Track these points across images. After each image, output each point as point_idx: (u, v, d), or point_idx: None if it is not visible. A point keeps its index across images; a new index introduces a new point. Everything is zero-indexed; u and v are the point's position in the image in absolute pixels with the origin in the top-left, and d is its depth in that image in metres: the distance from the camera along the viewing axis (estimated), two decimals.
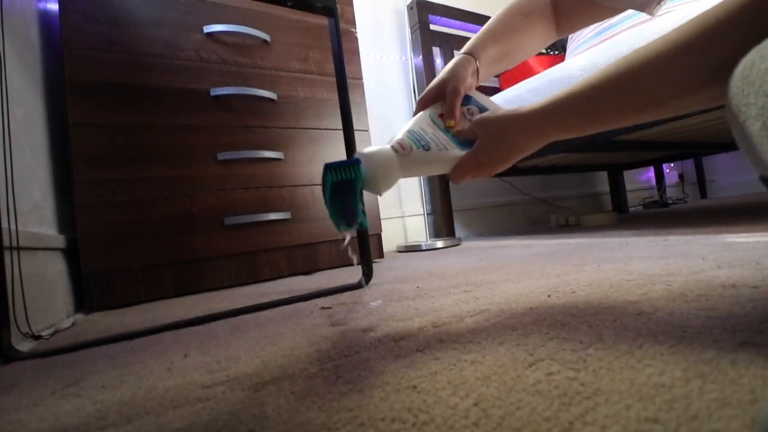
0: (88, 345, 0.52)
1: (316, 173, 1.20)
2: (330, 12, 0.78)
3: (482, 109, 0.51)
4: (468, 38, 1.97)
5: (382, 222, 1.39)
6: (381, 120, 1.71)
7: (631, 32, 0.97)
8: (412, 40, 1.74)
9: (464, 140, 0.48)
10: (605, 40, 1.24)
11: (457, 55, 0.54)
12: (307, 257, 1.17)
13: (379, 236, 1.31)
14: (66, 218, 0.92)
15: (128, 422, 0.27)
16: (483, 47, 0.53)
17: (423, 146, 0.46)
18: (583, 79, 0.39)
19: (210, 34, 1.07)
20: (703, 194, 2.62)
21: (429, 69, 1.68)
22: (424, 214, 1.72)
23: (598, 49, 1.03)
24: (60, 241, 0.84)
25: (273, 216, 1.10)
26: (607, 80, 0.36)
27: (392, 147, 0.45)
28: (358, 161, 0.44)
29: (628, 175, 2.31)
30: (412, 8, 1.72)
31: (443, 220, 1.64)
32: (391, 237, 1.66)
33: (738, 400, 0.19)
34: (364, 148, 0.46)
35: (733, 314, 0.32)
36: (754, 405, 0.19)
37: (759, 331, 0.28)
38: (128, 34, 0.98)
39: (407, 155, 0.45)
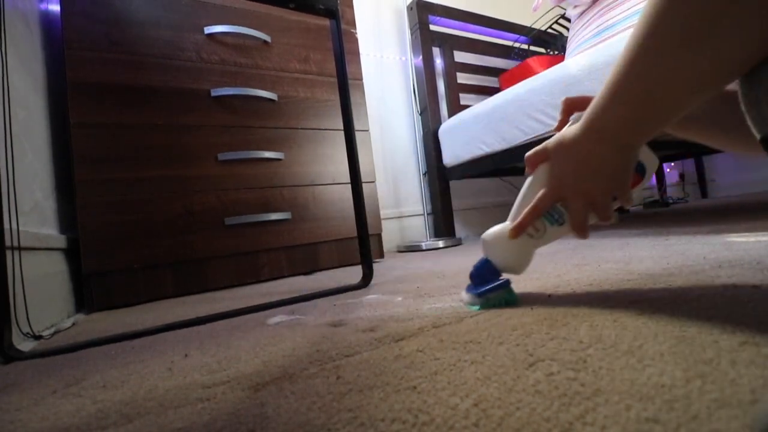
0: (88, 345, 0.52)
1: (317, 173, 1.20)
2: (332, 14, 0.78)
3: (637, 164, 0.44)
4: (468, 39, 1.96)
5: (383, 222, 1.39)
6: (381, 120, 1.72)
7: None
8: (412, 41, 1.74)
9: None
10: (605, 40, 1.24)
11: None
12: (308, 257, 1.17)
13: (379, 236, 1.31)
14: (67, 218, 0.92)
15: (129, 422, 0.27)
16: None
17: (557, 221, 0.45)
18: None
19: (211, 35, 1.08)
20: (704, 194, 2.62)
21: (429, 69, 1.69)
22: (424, 214, 1.72)
23: (597, 50, 1.03)
24: (61, 241, 0.84)
25: (273, 216, 1.10)
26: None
27: (528, 233, 0.45)
28: (508, 283, 0.47)
29: None
30: (411, 9, 1.72)
31: (443, 220, 1.64)
32: (391, 237, 1.66)
33: (738, 400, 0.19)
34: (493, 237, 0.47)
35: (733, 314, 0.32)
36: (754, 405, 0.19)
37: (759, 331, 0.28)
38: (129, 34, 0.98)
39: (541, 237, 0.46)
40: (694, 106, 0.36)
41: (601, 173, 0.40)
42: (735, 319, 0.30)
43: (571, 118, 0.45)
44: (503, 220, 0.48)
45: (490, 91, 1.85)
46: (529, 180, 0.46)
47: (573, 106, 0.45)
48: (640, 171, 0.45)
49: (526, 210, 0.44)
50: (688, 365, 0.24)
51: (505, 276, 0.48)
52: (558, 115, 0.47)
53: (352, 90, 1.03)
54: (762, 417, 0.16)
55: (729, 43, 0.29)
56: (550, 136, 0.45)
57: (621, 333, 0.31)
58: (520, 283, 0.57)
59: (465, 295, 0.49)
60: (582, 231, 0.43)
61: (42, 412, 0.31)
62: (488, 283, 0.47)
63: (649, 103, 0.35)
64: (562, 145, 0.42)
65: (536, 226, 0.45)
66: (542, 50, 1.98)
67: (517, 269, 0.48)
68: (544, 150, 0.44)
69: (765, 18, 0.27)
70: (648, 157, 0.45)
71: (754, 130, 0.29)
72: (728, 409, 0.19)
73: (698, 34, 0.29)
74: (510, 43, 1.94)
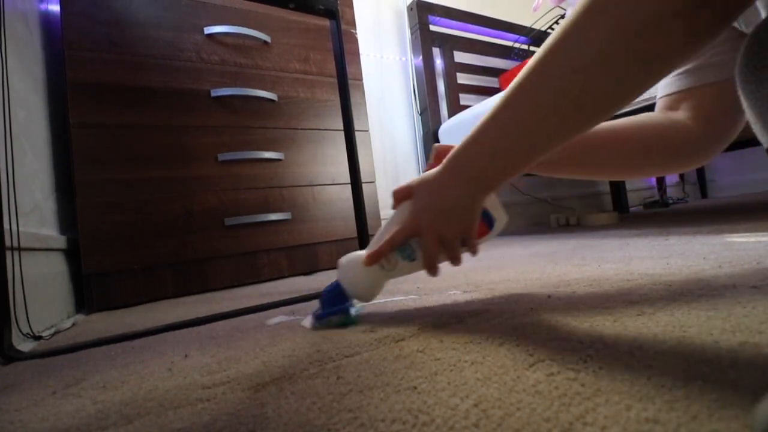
0: (88, 345, 0.52)
1: (317, 174, 1.20)
2: (332, 14, 0.78)
3: (486, 215, 0.47)
4: (468, 39, 1.96)
5: (383, 222, 1.39)
6: (381, 120, 1.71)
7: None
8: (412, 41, 1.74)
9: None
10: None
11: None
12: (308, 257, 1.17)
13: None
14: (67, 219, 0.92)
15: (129, 422, 0.27)
16: None
17: (409, 257, 0.47)
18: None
19: (211, 35, 1.08)
20: (704, 194, 2.62)
21: (429, 69, 1.69)
22: None
23: None
24: (61, 241, 0.84)
25: (273, 216, 1.10)
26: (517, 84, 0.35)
27: (381, 264, 0.47)
28: (346, 309, 0.48)
29: None
30: (411, 9, 1.72)
31: None
32: None
33: (738, 400, 0.19)
34: (348, 262, 0.48)
35: (733, 314, 0.32)
36: (754, 405, 0.19)
37: (759, 331, 0.28)
38: (129, 35, 0.98)
39: (392, 270, 0.48)
40: (550, 153, 0.36)
41: (453, 213, 0.42)
42: (735, 320, 0.30)
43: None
44: None
45: (490, 92, 1.85)
46: (392, 214, 0.48)
47: (442, 153, 0.47)
48: (488, 222, 0.47)
49: (382, 241, 0.46)
50: (688, 365, 0.24)
51: (356, 301, 0.50)
52: (431, 160, 0.49)
53: (352, 90, 1.03)
54: (762, 417, 0.16)
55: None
56: None
57: (621, 333, 0.31)
58: (521, 283, 0.57)
59: (306, 320, 0.49)
60: (431, 268, 0.46)
61: (42, 413, 0.31)
62: (333, 307, 0.48)
63: (503, 147, 0.37)
64: (423, 183, 0.44)
65: (389, 259, 0.47)
66: None
67: (366, 297, 0.49)
68: (409, 187, 0.46)
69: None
70: (498, 211, 0.47)
71: (762, 140, 0.29)
72: (728, 409, 0.19)
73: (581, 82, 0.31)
74: (510, 44, 1.94)
